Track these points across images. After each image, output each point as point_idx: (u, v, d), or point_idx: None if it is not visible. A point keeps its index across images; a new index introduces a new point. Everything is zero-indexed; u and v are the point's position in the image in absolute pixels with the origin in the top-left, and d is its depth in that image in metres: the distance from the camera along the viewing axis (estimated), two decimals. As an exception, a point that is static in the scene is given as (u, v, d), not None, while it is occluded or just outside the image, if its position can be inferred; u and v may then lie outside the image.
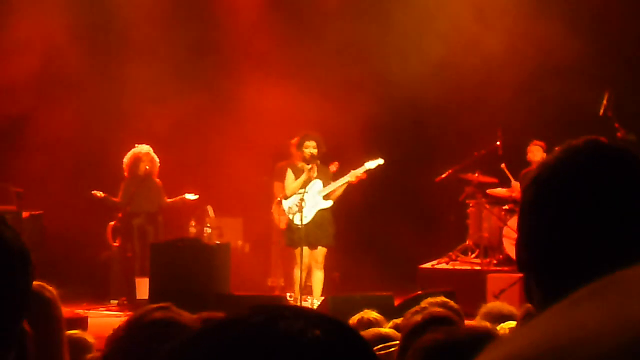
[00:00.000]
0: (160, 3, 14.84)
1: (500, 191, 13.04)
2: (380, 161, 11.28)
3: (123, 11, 14.78)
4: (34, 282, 3.96)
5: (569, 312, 0.79)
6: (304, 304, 11.01)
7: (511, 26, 13.65)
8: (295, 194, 11.30)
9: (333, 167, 12.03)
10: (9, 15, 14.15)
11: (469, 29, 14.00)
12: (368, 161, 11.26)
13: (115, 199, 12.91)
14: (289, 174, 11.47)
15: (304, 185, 11.17)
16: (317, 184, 11.23)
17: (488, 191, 13.14)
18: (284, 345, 1.04)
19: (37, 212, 12.14)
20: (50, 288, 3.93)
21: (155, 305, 2.74)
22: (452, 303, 4.52)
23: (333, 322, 1.11)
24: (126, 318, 2.75)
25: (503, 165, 12.95)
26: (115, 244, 13.38)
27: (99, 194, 12.84)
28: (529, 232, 1.70)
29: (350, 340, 1.11)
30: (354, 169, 11.24)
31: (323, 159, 11.37)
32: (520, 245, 1.72)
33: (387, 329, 4.37)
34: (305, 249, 11.13)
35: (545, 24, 13.43)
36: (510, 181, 12.98)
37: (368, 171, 11.28)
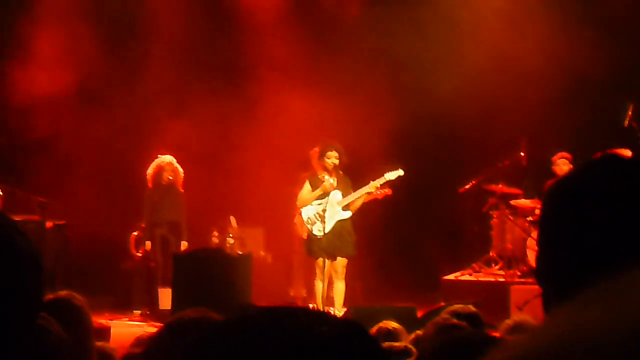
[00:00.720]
0: (186, 16, 14.87)
1: (524, 202, 12.97)
2: (401, 172, 11.24)
3: (149, 26, 14.85)
4: (63, 292, 3.98)
5: (573, 314, 0.81)
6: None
7: (537, 38, 13.61)
8: (307, 205, 11.30)
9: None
10: (36, 32, 14.23)
11: (495, 42, 13.97)
12: (388, 172, 11.24)
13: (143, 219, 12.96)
14: (306, 185, 11.46)
15: (320, 198, 11.16)
16: (336, 195, 11.20)
17: (512, 202, 13.07)
18: (291, 339, 1.06)
19: (61, 222, 12.17)
20: (79, 297, 3.94)
21: (190, 310, 2.77)
22: (471, 308, 4.50)
23: (343, 321, 1.13)
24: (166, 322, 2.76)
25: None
26: (138, 254, 13.41)
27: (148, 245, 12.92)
28: (546, 245, 1.71)
29: (357, 336, 1.11)
30: (373, 180, 11.22)
31: (344, 169, 11.34)
32: (539, 257, 1.73)
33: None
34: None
35: (572, 38, 13.39)
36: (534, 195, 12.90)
37: (389, 182, 11.26)
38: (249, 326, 1.10)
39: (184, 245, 12.80)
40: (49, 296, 3.98)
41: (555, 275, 1.67)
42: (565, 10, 13.61)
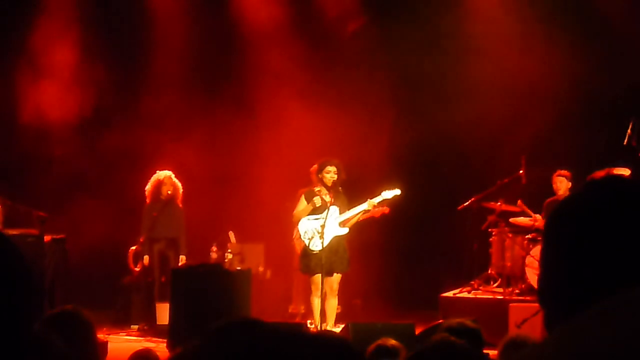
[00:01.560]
0: (189, 35, 14.92)
1: (523, 220, 12.97)
2: (397, 191, 11.26)
3: (152, 45, 14.90)
4: (69, 306, 3.99)
5: (573, 334, 0.81)
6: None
7: (540, 58, 13.64)
8: (301, 220, 11.33)
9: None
10: (44, 53, 14.27)
11: (497, 60, 13.99)
12: (385, 190, 11.25)
13: (142, 234, 12.97)
14: (302, 200, 11.48)
15: (318, 214, 11.18)
16: (334, 211, 11.21)
17: (511, 220, 13.07)
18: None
19: (60, 237, 12.16)
20: (84, 311, 3.95)
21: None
22: (469, 323, 4.49)
23: (338, 349, 1.12)
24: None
25: (519, 201, 12.88)
26: (136, 269, 13.39)
27: (146, 260, 12.94)
28: (549, 265, 1.72)
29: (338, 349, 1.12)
30: (371, 198, 11.24)
31: (343, 185, 11.36)
32: (541, 277, 1.74)
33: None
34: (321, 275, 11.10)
35: (572, 57, 13.41)
36: (530, 215, 12.90)
37: (386, 201, 11.28)
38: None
39: (182, 260, 12.79)
40: (55, 310, 3.98)
41: (557, 295, 1.68)
42: (566, 30, 13.63)
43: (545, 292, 1.71)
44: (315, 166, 11.60)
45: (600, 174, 11.96)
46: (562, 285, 1.65)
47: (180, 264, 12.64)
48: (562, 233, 1.70)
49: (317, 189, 11.39)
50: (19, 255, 1.66)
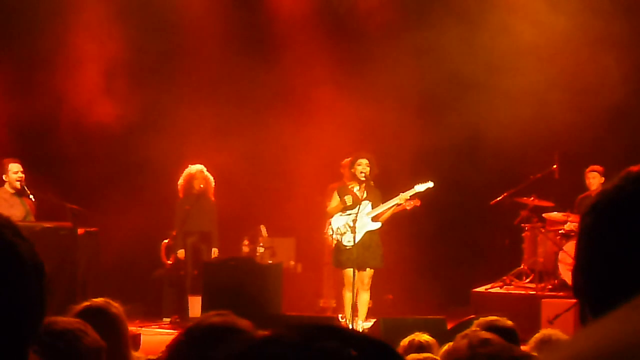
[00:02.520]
0: (224, 22, 14.95)
1: (556, 215, 12.90)
2: (430, 184, 11.20)
3: (187, 37, 14.96)
4: (100, 299, 4.01)
5: (629, 318, 0.79)
6: (355, 325, 10.96)
7: (574, 53, 13.55)
8: (335, 215, 11.33)
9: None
10: (82, 53, 14.37)
11: (530, 53, 13.93)
12: (418, 184, 11.21)
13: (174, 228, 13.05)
14: (335, 196, 11.48)
15: (350, 209, 11.18)
16: (366, 206, 11.19)
17: (544, 215, 13.01)
18: None
19: (93, 229, 12.24)
20: (115, 304, 3.97)
21: (213, 312, 2.76)
22: (503, 322, 4.46)
23: (373, 343, 1.11)
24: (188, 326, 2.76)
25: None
26: (168, 262, 13.46)
27: (181, 254, 13.01)
28: (585, 260, 1.69)
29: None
30: (403, 192, 11.20)
31: (375, 180, 11.34)
32: (576, 271, 1.71)
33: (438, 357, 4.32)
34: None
35: (607, 54, 13.33)
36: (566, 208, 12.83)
37: (418, 194, 11.23)
38: (275, 350, 1.09)
39: (214, 253, 12.83)
40: (85, 303, 4.01)
41: (593, 289, 1.66)
42: (609, 30, 13.52)
43: (581, 287, 1.69)
44: (347, 160, 11.60)
45: (636, 168, 11.86)
46: (598, 280, 1.63)
47: (212, 258, 12.68)
48: (600, 226, 1.67)
49: (349, 184, 11.38)
50: (32, 247, 1.66)
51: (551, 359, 0.82)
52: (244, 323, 2.68)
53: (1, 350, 1.56)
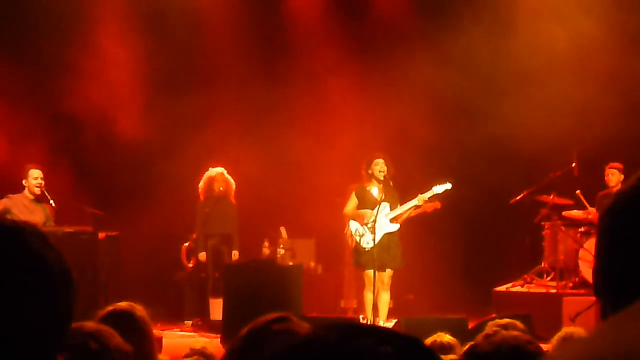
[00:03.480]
0: (244, 24, 15.01)
1: (576, 213, 12.86)
2: (448, 186, 11.19)
3: (208, 38, 15.02)
4: (124, 303, 4.04)
5: (622, 327, 0.80)
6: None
7: (587, 47, 13.50)
8: (351, 218, 11.35)
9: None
10: (106, 61, 14.46)
11: (547, 49, 13.90)
12: (436, 185, 11.20)
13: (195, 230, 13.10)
14: (352, 197, 11.49)
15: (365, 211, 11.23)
16: (384, 207, 11.20)
17: (564, 213, 12.97)
18: None
19: (114, 233, 12.28)
20: (140, 307, 4.00)
21: (275, 316, 2.76)
22: (519, 325, 4.46)
23: (405, 339, 1.13)
24: (245, 329, 2.75)
25: (578, 192, 12.78)
26: (189, 265, 13.49)
27: (202, 257, 13.06)
28: (605, 258, 1.69)
29: (422, 356, 1.12)
30: (421, 193, 11.20)
31: (393, 180, 11.34)
32: (597, 270, 1.71)
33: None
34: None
35: (621, 49, 13.30)
36: (586, 206, 12.79)
37: (438, 196, 11.24)
38: (314, 348, 1.11)
39: (235, 255, 12.86)
40: (109, 307, 4.04)
41: (613, 288, 1.66)
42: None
43: (601, 285, 1.69)
44: (364, 162, 11.60)
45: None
46: (619, 278, 1.64)
47: (233, 260, 12.72)
48: (617, 226, 1.67)
49: (367, 185, 11.39)
50: (60, 254, 1.67)
51: (564, 357, 0.83)
52: (305, 328, 2.68)
53: (30, 357, 1.58)
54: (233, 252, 12.90)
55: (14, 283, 1.57)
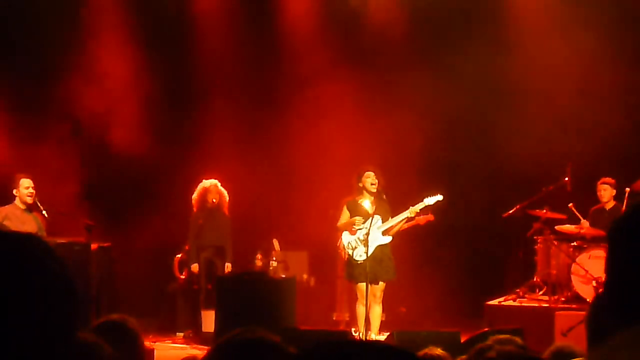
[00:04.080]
0: (237, 37, 15.05)
1: (568, 228, 12.88)
2: (440, 197, 11.20)
3: (201, 50, 15.05)
4: (116, 315, 4.04)
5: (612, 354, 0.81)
6: (369, 339, 10.95)
7: (583, 64, 13.54)
8: (345, 230, 11.36)
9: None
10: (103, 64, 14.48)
11: (543, 66, 13.94)
12: (427, 197, 11.22)
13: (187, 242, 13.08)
14: (344, 211, 11.49)
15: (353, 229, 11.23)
16: (377, 220, 11.20)
17: (556, 227, 12.99)
18: None
19: (106, 245, 12.26)
20: (132, 320, 4.00)
21: (243, 329, 2.76)
22: (519, 340, 4.46)
23: (399, 354, 1.13)
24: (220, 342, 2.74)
25: (571, 205, 12.80)
26: (182, 277, 13.47)
27: (194, 268, 13.02)
28: (615, 270, 1.70)
29: None
30: (412, 205, 11.21)
31: (379, 193, 11.36)
32: (608, 282, 1.72)
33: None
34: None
35: (616, 66, 13.34)
36: (579, 219, 12.82)
37: (430, 208, 11.26)
38: None
39: (227, 268, 12.84)
40: (102, 319, 4.04)
41: (629, 301, 1.66)
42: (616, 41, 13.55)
43: (612, 300, 1.70)
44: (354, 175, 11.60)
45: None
46: (631, 293, 1.64)
47: (226, 272, 12.70)
48: (630, 241, 1.68)
49: (358, 199, 11.39)
50: (63, 265, 1.68)
51: None
52: (273, 338, 2.68)
53: None
54: (226, 264, 12.89)
55: (17, 292, 1.57)
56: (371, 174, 11.26)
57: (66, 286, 1.65)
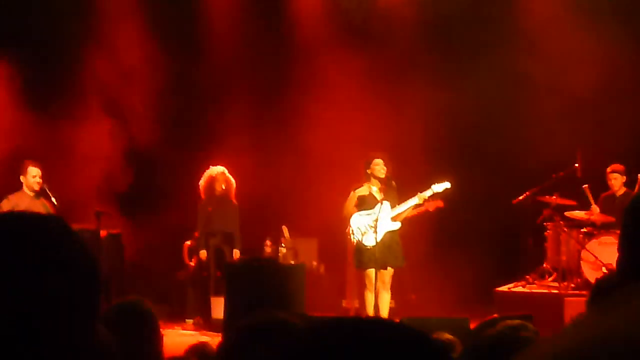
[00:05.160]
0: (246, 31, 15.06)
1: (578, 214, 12.85)
2: (447, 184, 11.25)
3: (209, 43, 15.07)
4: (132, 297, 4.04)
5: (603, 317, 0.82)
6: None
7: (594, 50, 13.49)
8: (355, 215, 11.36)
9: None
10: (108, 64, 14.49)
11: (550, 50, 13.90)
12: (435, 184, 11.23)
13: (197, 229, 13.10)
14: (352, 197, 11.49)
15: (369, 209, 11.21)
16: (386, 206, 11.21)
17: (566, 214, 12.96)
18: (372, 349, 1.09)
19: (116, 232, 12.28)
20: (148, 302, 4.00)
21: (261, 312, 2.76)
22: (530, 326, 4.45)
23: (410, 331, 1.14)
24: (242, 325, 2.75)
25: (586, 186, 12.77)
26: (191, 264, 13.49)
27: (202, 254, 13.02)
28: (629, 250, 1.71)
29: (426, 344, 1.14)
30: (421, 192, 11.23)
31: (388, 180, 11.36)
32: (621, 260, 1.73)
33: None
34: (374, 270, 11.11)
35: (629, 51, 13.31)
36: (590, 204, 12.79)
37: (437, 195, 11.27)
38: (336, 338, 1.12)
39: (236, 254, 12.85)
40: (119, 300, 4.03)
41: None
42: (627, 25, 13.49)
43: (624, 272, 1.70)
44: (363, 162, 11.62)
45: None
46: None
47: (234, 259, 12.71)
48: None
49: (367, 186, 11.39)
50: (86, 247, 1.67)
51: (533, 356, 0.84)
52: (294, 320, 2.68)
53: (56, 349, 1.57)
54: (234, 250, 12.89)
55: (37, 275, 1.56)
56: (380, 160, 11.26)
57: (88, 267, 1.64)
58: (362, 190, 11.41)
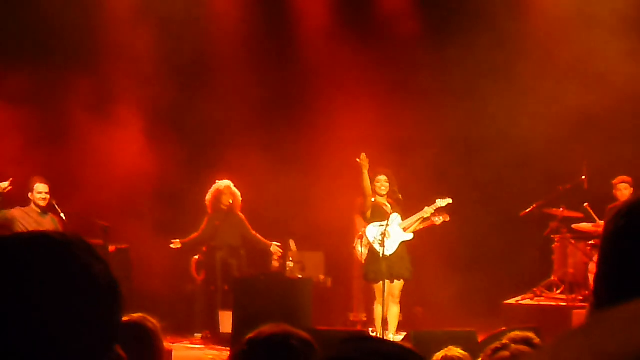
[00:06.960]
0: (250, 37, 15.08)
1: (585, 226, 12.84)
2: (449, 200, 11.47)
3: (214, 50, 15.09)
4: (137, 314, 4.05)
5: (581, 337, 0.83)
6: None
7: (598, 63, 13.51)
8: (369, 226, 11.42)
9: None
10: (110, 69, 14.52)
11: (562, 65, 13.94)
12: (438, 199, 11.38)
13: (194, 235, 13.07)
14: (368, 199, 11.58)
15: (380, 221, 11.27)
16: (396, 218, 11.30)
17: (573, 226, 12.96)
18: None
19: (124, 246, 12.30)
20: (152, 320, 4.00)
21: (271, 325, 2.78)
22: (533, 337, 4.45)
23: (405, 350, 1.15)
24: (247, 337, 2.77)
25: (586, 204, 12.76)
26: (199, 278, 13.50)
27: (176, 244, 13.00)
28: (606, 266, 1.71)
29: None
30: (428, 206, 11.36)
31: (394, 194, 11.47)
32: (598, 279, 1.73)
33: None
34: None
35: (631, 61, 13.32)
36: (595, 220, 12.77)
37: (442, 209, 11.42)
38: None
39: (292, 245, 12.83)
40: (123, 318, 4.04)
41: (614, 297, 1.67)
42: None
43: (602, 295, 1.71)
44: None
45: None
46: (621, 288, 1.65)
47: (243, 271, 12.73)
48: (623, 235, 1.68)
49: (376, 198, 11.45)
50: (107, 265, 1.68)
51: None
52: (302, 334, 2.71)
53: None
54: (290, 241, 12.79)
55: (62, 296, 1.57)
56: (382, 178, 11.41)
57: (111, 287, 1.65)
58: (374, 202, 11.47)
